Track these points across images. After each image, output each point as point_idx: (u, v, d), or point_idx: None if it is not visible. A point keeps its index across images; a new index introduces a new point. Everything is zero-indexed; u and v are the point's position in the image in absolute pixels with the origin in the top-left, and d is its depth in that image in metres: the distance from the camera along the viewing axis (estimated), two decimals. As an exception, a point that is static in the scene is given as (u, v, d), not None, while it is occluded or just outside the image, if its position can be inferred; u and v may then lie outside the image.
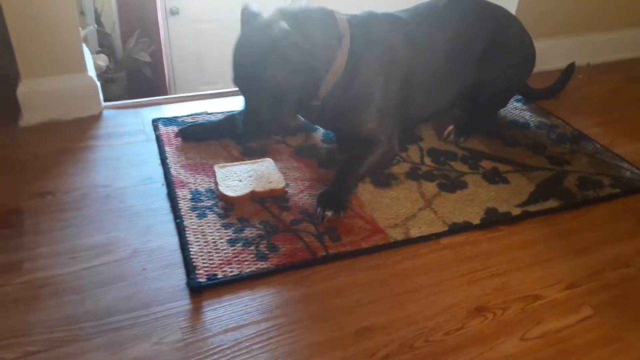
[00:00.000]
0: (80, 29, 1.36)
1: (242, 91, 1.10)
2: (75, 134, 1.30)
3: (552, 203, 1.15)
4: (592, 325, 0.88)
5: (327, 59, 1.10)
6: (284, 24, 1.02)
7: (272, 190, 1.08)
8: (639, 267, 1.01)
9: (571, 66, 1.60)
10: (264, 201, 1.08)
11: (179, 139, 1.27)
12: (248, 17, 1.10)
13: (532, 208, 1.13)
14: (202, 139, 1.27)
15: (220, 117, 1.33)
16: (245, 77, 1.08)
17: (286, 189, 1.10)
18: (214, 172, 1.13)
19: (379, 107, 1.17)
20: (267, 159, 1.18)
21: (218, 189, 1.08)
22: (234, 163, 1.17)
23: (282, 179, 1.11)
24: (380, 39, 1.17)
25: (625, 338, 0.87)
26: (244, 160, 1.21)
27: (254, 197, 1.08)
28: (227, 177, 1.10)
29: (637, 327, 0.89)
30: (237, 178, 1.09)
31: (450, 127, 1.34)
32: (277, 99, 1.06)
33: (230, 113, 1.34)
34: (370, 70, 1.15)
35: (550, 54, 1.72)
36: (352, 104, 1.16)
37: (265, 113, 1.07)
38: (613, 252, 1.04)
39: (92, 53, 2.51)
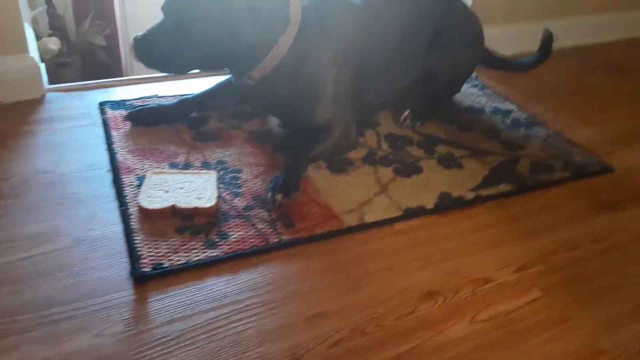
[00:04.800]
0: (29, 9, 1.29)
1: (164, 11, 1.08)
2: (15, 118, 1.23)
3: (505, 187, 1.15)
4: (541, 306, 0.89)
5: (265, 39, 1.08)
6: None
7: (196, 208, 0.97)
8: (588, 248, 1.03)
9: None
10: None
11: (128, 123, 1.22)
12: None
13: (485, 192, 1.13)
14: (153, 123, 1.23)
15: (172, 100, 1.29)
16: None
17: (216, 208, 0.99)
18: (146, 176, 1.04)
19: (333, 98, 1.14)
20: (212, 172, 1.07)
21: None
22: (172, 171, 1.07)
23: (215, 198, 0.99)
24: (334, 27, 1.14)
25: (574, 318, 0.88)
26: (195, 146, 1.17)
27: (175, 212, 0.97)
28: (155, 185, 1.01)
29: (586, 308, 0.90)
30: (164, 188, 1.01)
31: (407, 113, 1.33)
32: (189, 36, 1.04)
33: (183, 96, 1.29)
34: (323, 60, 1.12)
35: (505, 40, 1.73)
36: (304, 96, 1.14)
37: (166, 42, 1.06)
38: (564, 234, 1.06)
39: (43, 36, 2.40)
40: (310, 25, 1.11)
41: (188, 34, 1.05)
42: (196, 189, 1.02)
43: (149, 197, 0.99)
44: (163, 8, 1.08)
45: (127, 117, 1.23)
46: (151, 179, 1.03)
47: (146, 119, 1.23)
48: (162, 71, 1.13)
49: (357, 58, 1.18)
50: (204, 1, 1.03)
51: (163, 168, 1.09)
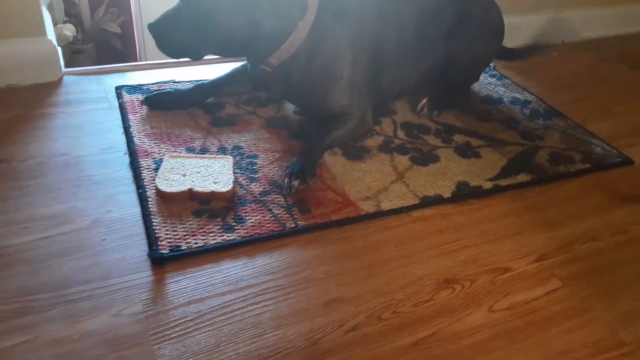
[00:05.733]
0: (44, -5, 1.29)
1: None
2: (33, 101, 1.23)
3: (523, 177, 1.14)
4: (560, 297, 0.88)
5: (284, 26, 1.07)
6: None
7: (213, 193, 0.98)
8: (608, 240, 1.02)
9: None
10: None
11: (144, 107, 1.22)
12: None
13: (503, 182, 1.12)
14: (169, 107, 1.23)
15: (188, 85, 1.29)
16: None
17: (232, 193, 0.99)
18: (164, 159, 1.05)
19: (349, 83, 1.14)
20: (228, 157, 1.07)
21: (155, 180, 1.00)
22: (189, 155, 1.07)
23: (231, 182, 0.99)
24: (351, 12, 1.14)
25: (593, 309, 0.87)
26: (211, 131, 1.17)
27: (192, 196, 0.98)
28: (172, 168, 1.01)
29: (604, 299, 0.89)
30: (181, 172, 1.01)
31: (424, 101, 1.32)
32: (208, 24, 1.03)
33: (199, 82, 1.29)
34: (339, 46, 1.12)
35: (524, 31, 1.70)
36: (320, 81, 1.13)
37: (184, 29, 1.05)
38: (582, 226, 1.04)
39: (58, 22, 2.40)
40: (327, 11, 1.10)
41: (207, 21, 1.04)
42: (213, 173, 1.02)
43: (166, 180, 0.99)
44: None
45: (144, 101, 1.23)
46: (168, 163, 1.03)
47: (162, 104, 1.23)
48: (178, 57, 1.13)
49: (374, 43, 1.17)
50: None
51: (180, 152, 1.09)
